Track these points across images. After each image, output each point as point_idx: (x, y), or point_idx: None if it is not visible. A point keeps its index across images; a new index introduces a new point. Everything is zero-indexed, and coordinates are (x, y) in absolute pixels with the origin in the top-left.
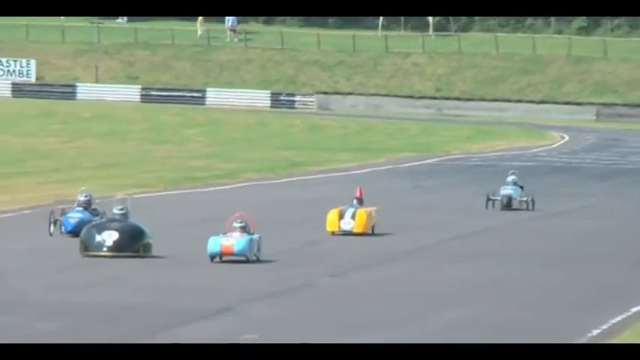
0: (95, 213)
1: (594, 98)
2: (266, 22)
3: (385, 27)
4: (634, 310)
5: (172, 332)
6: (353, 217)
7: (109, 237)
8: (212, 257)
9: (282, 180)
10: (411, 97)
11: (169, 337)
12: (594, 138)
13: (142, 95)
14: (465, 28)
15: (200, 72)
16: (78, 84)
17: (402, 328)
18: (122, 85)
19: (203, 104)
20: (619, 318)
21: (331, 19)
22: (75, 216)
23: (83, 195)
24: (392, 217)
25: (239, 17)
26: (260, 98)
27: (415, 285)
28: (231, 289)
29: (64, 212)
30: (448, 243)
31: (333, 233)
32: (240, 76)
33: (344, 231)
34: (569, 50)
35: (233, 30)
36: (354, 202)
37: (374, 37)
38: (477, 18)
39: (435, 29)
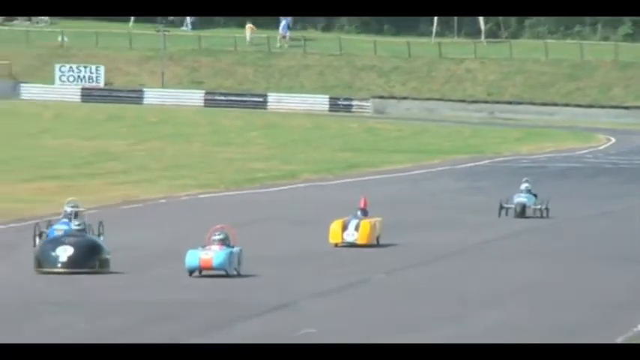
0: (82, 222)
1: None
2: (324, 29)
3: (439, 34)
4: None
5: (235, 328)
6: (357, 228)
7: (64, 252)
8: (191, 272)
9: (339, 181)
10: (463, 101)
11: (231, 333)
12: None
13: (205, 100)
14: (515, 35)
15: (261, 77)
16: (144, 89)
17: (449, 326)
18: (187, 90)
19: (265, 108)
20: None
21: (387, 26)
22: (60, 228)
23: (70, 206)
24: (445, 217)
25: (290, 24)
26: (318, 103)
27: (463, 284)
28: (289, 285)
29: (50, 224)
30: (494, 243)
31: (336, 245)
32: (299, 82)
33: (347, 242)
34: (616, 56)
35: (284, 37)
36: (358, 212)
37: (428, 44)
38: (527, 24)
39: (487, 36)
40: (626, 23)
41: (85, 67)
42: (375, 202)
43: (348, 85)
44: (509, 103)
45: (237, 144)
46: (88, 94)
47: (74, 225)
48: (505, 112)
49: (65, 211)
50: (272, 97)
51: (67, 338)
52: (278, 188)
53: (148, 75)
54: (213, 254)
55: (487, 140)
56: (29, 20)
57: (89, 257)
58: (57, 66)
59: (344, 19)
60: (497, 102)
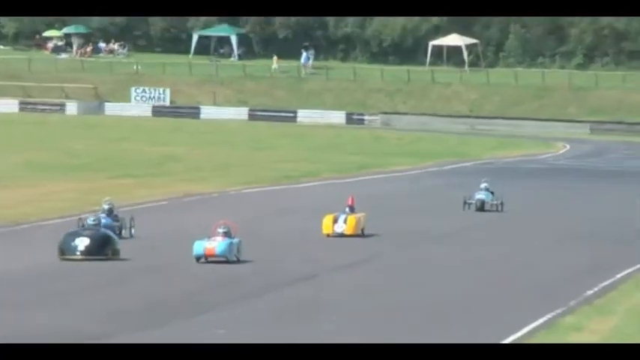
0: (116, 219)
1: (589, 117)
2: (342, 60)
3: (432, 63)
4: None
5: (281, 291)
6: (345, 221)
7: (81, 242)
8: (197, 258)
9: (354, 179)
10: (451, 116)
11: (277, 296)
12: (589, 147)
13: (249, 115)
14: (491, 65)
15: (293, 97)
16: (201, 106)
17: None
18: (234, 107)
19: (295, 121)
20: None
21: (392, 57)
22: (90, 221)
23: (107, 204)
24: (426, 207)
25: (312, 57)
26: (337, 117)
27: (446, 261)
28: (319, 259)
29: (91, 217)
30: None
31: (328, 235)
32: (322, 100)
33: (337, 233)
34: (570, 81)
35: (305, 66)
36: (347, 209)
37: (423, 71)
38: (501, 56)
39: (469, 65)
40: (578, 55)
41: (155, 90)
42: (378, 195)
43: (361, 103)
44: (487, 117)
45: (273, 149)
46: (156, 111)
47: (90, 221)
48: (483, 125)
49: (103, 208)
50: (301, 112)
51: (157, 297)
52: (305, 184)
53: (204, 95)
54: (216, 244)
55: (470, 147)
56: (111, 53)
57: (103, 247)
58: (133, 89)
59: (358, 52)
60: (477, 117)
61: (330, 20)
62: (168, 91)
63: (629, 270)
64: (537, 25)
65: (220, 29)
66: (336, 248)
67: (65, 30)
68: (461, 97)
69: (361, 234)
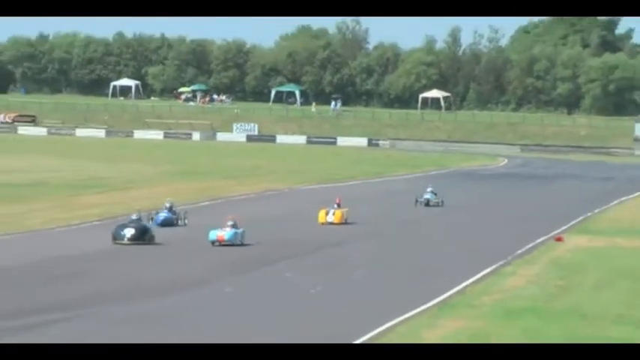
0: (174, 213)
1: (519, 142)
2: (364, 106)
3: (421, 108)
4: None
5: (322, 251)
6: (334, 214)
7: (128, 232)
8: (212, 243)
9: (373, 180)
10: (434, 141)
11: (319, 254)
12: (520, 161)
13: (307, 140)
14: (458, 109)
15: (333, 129)
16: (277, 135)
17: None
18: (297, 135)
19: (335, 145)
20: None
21: (396, 104)
22: (162, 215)
23: (168, 202)
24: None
25: (340, 104)
26: (361, 142)
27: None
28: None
29: (156, 212)
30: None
31: (322, 224)
32: (352, 131)
33: (328, 222)
34: (507, 119)
35: (334, 110)
36: (335, 205)
37: (416, 113)
38: (464, 104)
39: (445, 109)
40: (512, 102)
41: (248, 125)
42: (382, 192)
43: (376, 133)
44: (456, 142)
45: (322, 162)
46: (249, 138)
47: (134, 216)
48: (454, 147)
49: (165, 205)
50: (339, 139)
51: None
52: (343, 184)
53: (279, 128)
54: (225, 233)
55: (445, 160)
56: (221, 102)
57: (142, 235)
58: (234, 124)
59: (375, 101)
60: (451, 142)
61: (357, 79)
62: (256, 125)
63: (545, 237)
64: (487, 83)
65: (289, 86)
66: (331, 230)
67: (192, 87)
68: (440, 129)
69: (345, 222)
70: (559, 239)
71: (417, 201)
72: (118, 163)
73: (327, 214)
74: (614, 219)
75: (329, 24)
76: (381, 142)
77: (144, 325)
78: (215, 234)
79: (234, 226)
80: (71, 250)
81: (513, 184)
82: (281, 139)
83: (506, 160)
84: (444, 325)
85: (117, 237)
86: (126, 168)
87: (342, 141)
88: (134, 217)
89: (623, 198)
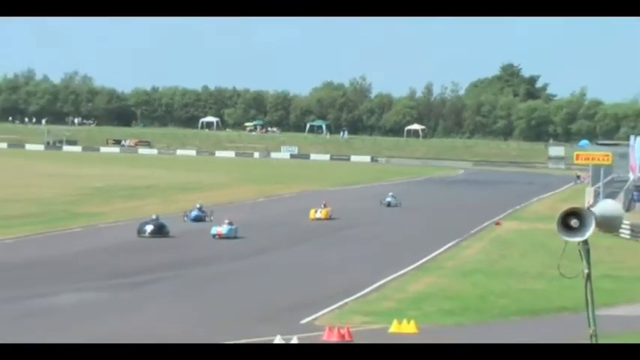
0: (203, 212)
1: (472, 159)
2: (368, 135)
3: (407, 136)
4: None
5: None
6: (320, 212)
7: (149, 227)
8: (213, 236)
9: (372, 184)
10: (416, 158)
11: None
12: (471, 172)
13: (330, 158)
14: (432, 137)
15: (348, 150)
16: (311, 154)
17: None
18: (324, 155)
19: (349, 161)
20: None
21: (390, 134)
22: (194, 213)
23: (198, 204)
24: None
25: (346, 133)
26: (366, 159)
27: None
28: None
29: (190, 211)
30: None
31: (312, 220)
32: (359, 152)
33: (316, 218)
34: (463, 144)
35: (342, 138)
36: (322, 205)
37: (403, 140)
38: (435, 134)
39: (422, 137)
40: (466, 132)
41: (292, 147)
42: (380, 192)
43: (377, 153)
44: (430, 159)
45: (341, 171)
46: (292, 156)
47: (153, 216)
48: (428, 163)
49: (196, 206)
50: (352, 157)
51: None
52: (352, 187)
53: (313, 149)
54: (222, 228)
55: (423, 171)
56: (273, 132)
57: (160, 231)
58: (282, 147)
59: (375, 131)
60: (426, 159)
61: (364, 117)
62: (296, 148)
63: (488, 222)
64: (450, 119)
65: (318, 122)
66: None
67: (254, 122)
68: (419, 151)
69: (330, 218)
70: (498, 224)
71: (381, 202)
72: (204, 173)
73: (315, 212)
74: (535, 210)
75: (345, 79)
76: (379, 159)
77: (227, 280)
78: (215, 229)
79: (230, 223)
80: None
81: (465, 187)
82: (313, 157)
83: (462, 171)
84: (422, 281)
85: (140, 231)
86: (209, 176)
87: (354, 158)
88: (154, 217)
89: (541, 196)
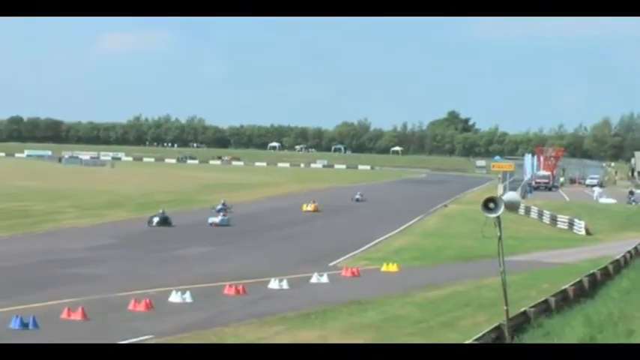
0: (225, 206)
1: (431, 167)
2: (367, 153)
3: (392, 153)
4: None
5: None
6: (310, 205)
7: (156, 219)
8: (210, 224)
9: (367, 184)
10: (397, 167)
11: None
12: (431, 175)
13: (346, 166)
14: (406, 154)
15: (355, 162)
16: (335, 164)
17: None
18: (342, 165)
19: (357, 169)
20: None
21: (382, 153)
22: (218, 206)
23: (222, 201)
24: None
25: (345, 149)
26: (367, 168)
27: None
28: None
29: (216, 205)
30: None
31: (304, 212)
32: (362, 163)
33: (307, 210)
34: (427, 159)
35: (344, 153)
36: (312, 201)
37: (391, 156)
38: (409, 152)
39: (401, 154)
40: (427, 152)
41: (322, 160)
42: (376, 186)
43: (374, 164)
44: (406, 167)
45: (350, 175)
46: (323, 166)
47: (160, 211)
48: (405, 170)
49: (221, 201)
50: (359, 166)
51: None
52: (355, 185)
53: (335, 161)
54: (216, 218)
55: (401, 174)
56: (307, 151)
57: (166, 222)
58: (318, 160)
59: (372, 150)
60: (404, 167)
61: (366, 143)
62: (326, 160)
63: (440, 205)
64: (416, 144)
65: (339, 145)
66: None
67: (300, 145)
68: (399, 162)
69: (318, 210)
70: (446, 206)
71: (352, 199)
72: (271, 176)
73: (306, 205)
74: (467, 198)
75: (354, 120)
76: (376, 168)
77: (293, 239)
78: (211, 219)
79: (224, 214)
80: (252, 209)
81: (426, 184)
82: (337, 166)
83: (424, 175)
84: (400, 240)
85: (149, 222)
86: (274, 178)
87: (360, 167)
88: (160, 211)
89: (471, 189)
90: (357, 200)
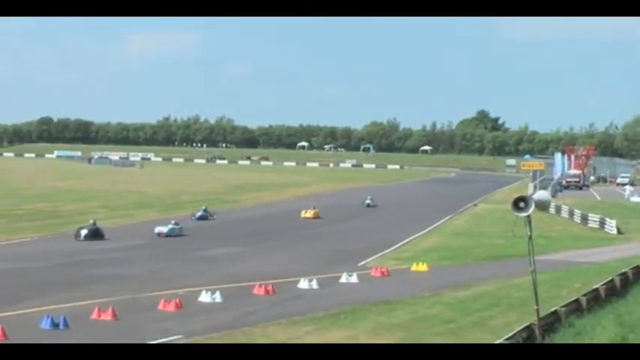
0: (207, 212)
1: (462, 167)
2: (398, 152)
3: (422, 153)
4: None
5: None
6: (309, 212)
7: (85, 232)
8: (158, 235)
9: (396, 184)
10: (427, 166)
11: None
12: (461, 174)
13: (376, 166)
14: (436, 154)
15: (385, 161)
16: (364, 164)
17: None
18: (371, 165)
19: (386, 168)
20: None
21: (411, 153)
22: (198, 214)
23: (203, 208)
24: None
25: (374, 149)
26: (396, 167)
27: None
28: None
29: (196, 212)
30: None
31: (303, 218)
32: (390, 163)
33: (306, 217)
34: (456, 157)
35: (371, 153)
36: (312, 207)
37: (420, 156)
38: (439, 151)
39: (431, 153)
40: (456, 151)
41: (352, 160)
42: (404, 186)
43: (404, 163)
44: (435, 166)
45: (379, 175)
46: (352, 165)
47: (90, 221)
48: (435, 169)
49: (201, 208)
50: (389, 166)
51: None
52: (379, 185)
53: (364, 161)
54: (165, 228)
55: (430, 173)
56: (336, 150)
57: (95, 234)
58: (347, 160)
59: (404, 151)
60: (433, 166)
61: (395, 142)
62: (355, 160)
63: (469, 205)
64: (446, 143)
65: (369, 144)
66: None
67: (330, 145)
68: (429, 161)
69: (319, 217)
70: (475, 205)
71: (362, 204)
72: (300, 176)
73: (305, 212)
74: (498, 197)
75: (384, 119)
76: (405, 167)
77: (320, 238)
78: (158, 229)
79: (176, 224)
80: (276, 210)
81: (456, 183)
82: (365, 165)
83: (454, 174)
84: (429, 240)
85: (76, 236)
86: (303, 178)
87: (390, 167)
88: (91, 222)
89: (501, 189)
90: (368, 206)
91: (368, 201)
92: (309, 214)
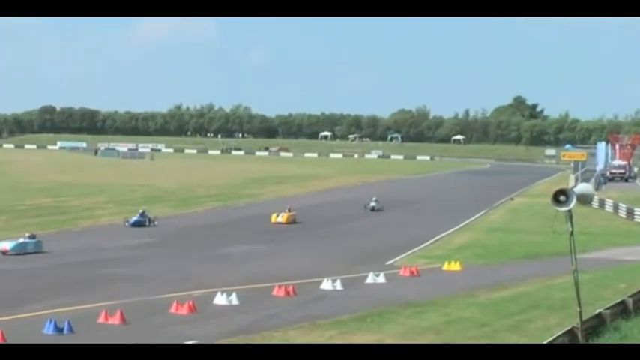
0: (145, 217)
1: (497, 157)
2: (428, 142)
3: (453, 143)
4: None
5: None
6: (282, 216)
7: (5, 246)
8: (3, 253)
9: (421, 176)
10: (459, 157)
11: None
12: (496, 165)
13: (404, 157)
14: (468, 143)
15: (414, 152)
16: (391, 155)
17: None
18: (402, 155)
19: (415, 159)
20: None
21: (441, 143)
22: (134, 219)
23: (141, 210)
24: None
25: (400, 139)
26: (426, 158)
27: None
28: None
29: (130, 218)
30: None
31: (274, 224)
32: (415, 153)
33: (277, 222)
34: (491, 147)
35: (398, 142)
36: (286, 210)
37: (452, 146)
38: (472, 141)
39: (463, 143)
40: (491, 140)
41: (377, 151)
42: (437, 179)
43: (434, 154)
44: (468, 157)
45: (407, 166)
46: (379, 156)
47: (27, 234)
48: (466, 160)
49: (139, 212)
50: (419, 157)
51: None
52: (423, 175)
53: (392, 152)
54: (9, 244)
55: (463, 165)
56: (367, 141)
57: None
58: (372, 151)
59: (433, 141)
60: (465, 157)
61: (424, 131)
62: (381, 151)
63: (505, 198)
64: (479, 132)
65: (395, 134)
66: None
67: (354, 135)
68: (460, 152)
69: (294, 222)
70: (512, 199)
71: (365, 207)
72: (322, 168)
73: (277, 216)
74: (536, 190)
75: (412, 107)
76: (435, 158)
77: (337, 236)
78: (1, 245)
79: (32, 237)
80: (302, 203)
81: (490, 175)
82: (393, 157)
83: (488, 165)
84: (462, 236)
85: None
86: (325, 170)
87: (419, 158)
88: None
89: (540, 181)
90: (373, 209)
91: (373, 204)
92: (280, 219)
